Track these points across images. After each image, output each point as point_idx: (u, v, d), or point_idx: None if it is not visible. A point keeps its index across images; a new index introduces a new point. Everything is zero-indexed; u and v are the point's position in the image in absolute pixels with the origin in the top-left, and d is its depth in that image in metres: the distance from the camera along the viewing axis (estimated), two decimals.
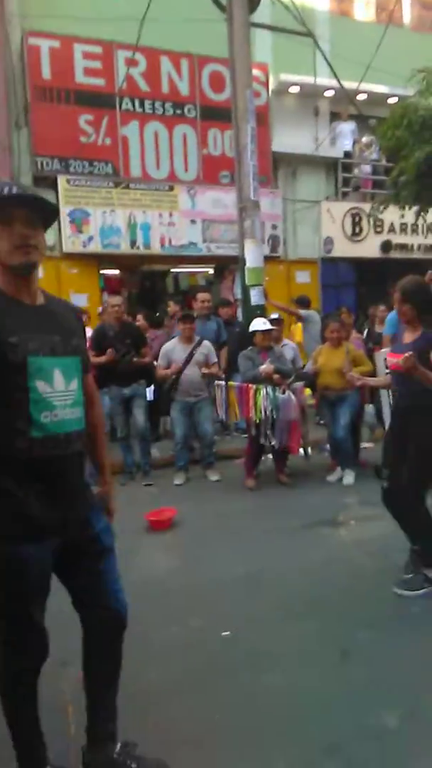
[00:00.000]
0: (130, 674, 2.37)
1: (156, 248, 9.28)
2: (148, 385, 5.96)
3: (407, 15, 11.64)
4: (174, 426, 5.78)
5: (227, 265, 9.93)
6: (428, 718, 2.20)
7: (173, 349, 5.61)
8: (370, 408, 6.02)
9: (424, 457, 3.15)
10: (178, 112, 9.50)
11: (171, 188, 9.33)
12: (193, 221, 9.47)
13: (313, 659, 2.62)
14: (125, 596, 1.90)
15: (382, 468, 3.40)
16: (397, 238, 11.05)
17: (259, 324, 5.59)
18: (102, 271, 9.52)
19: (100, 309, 7.82)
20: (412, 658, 2.59)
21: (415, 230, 10.96)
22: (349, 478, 5.38)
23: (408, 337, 3.27)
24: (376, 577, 3.42)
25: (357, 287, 11.02)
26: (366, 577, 3.44)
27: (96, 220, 8.82)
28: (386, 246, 10.98)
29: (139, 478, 5.71)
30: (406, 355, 2.98)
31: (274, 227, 10.20)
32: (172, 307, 7.56)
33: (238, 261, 7.39)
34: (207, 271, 11.03)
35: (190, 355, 5.51)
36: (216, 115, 9.47)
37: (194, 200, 9.46)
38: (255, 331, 5.51)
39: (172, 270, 11.10)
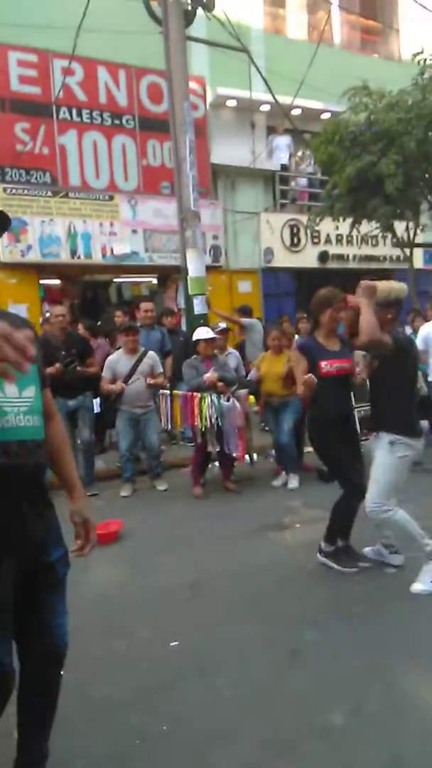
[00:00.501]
0: (77, 691, 2.34)
1: (97, 258, 9.19)
2: (95, 397, 5.86)
3: (337, 35, 12.15)
4: (119, 437, 5.72)
5: (170, 275, 9.94)
6: (372, 712, 2.28)
7: (118, 360, 5.56)
8: None
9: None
10: (117, 122, 9.49)
11: (111, 198, 9.28)
12: (134, 231, 9.45)
13: (261, 661, 2.66)
14: (67, 630, 1.84)
15: (341, 471, 3.58)
16: (334, 249, 11.44)
17: (202, 333, 5.64)
18: (42, 281, 9.32)
19: (42, 319, 7.62)
20: (355, 655, 2.67)
21: (350, 241, 11.39)
22: (293, 482, 5.49)
23: (333, 345, 3.57)
24: (320, 577, 3.52)
25: (297, 296, 11.31)
26: (311, 578, 3.53)
27: (34, 229, 8.64)
28: (323, 256, 11.34)
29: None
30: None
31: (215, 237, 10.33)
32: (121, 317, 7.43)
33: (180, 270, 7.43)
34: (150, 281, 11.01)
35: (135, 367, 5.48)
36: (155, 126, 9.54)
37: (135, 210, 9.44)
38: (198, 340, 5.56)
39: (115, 280, 11.02)
